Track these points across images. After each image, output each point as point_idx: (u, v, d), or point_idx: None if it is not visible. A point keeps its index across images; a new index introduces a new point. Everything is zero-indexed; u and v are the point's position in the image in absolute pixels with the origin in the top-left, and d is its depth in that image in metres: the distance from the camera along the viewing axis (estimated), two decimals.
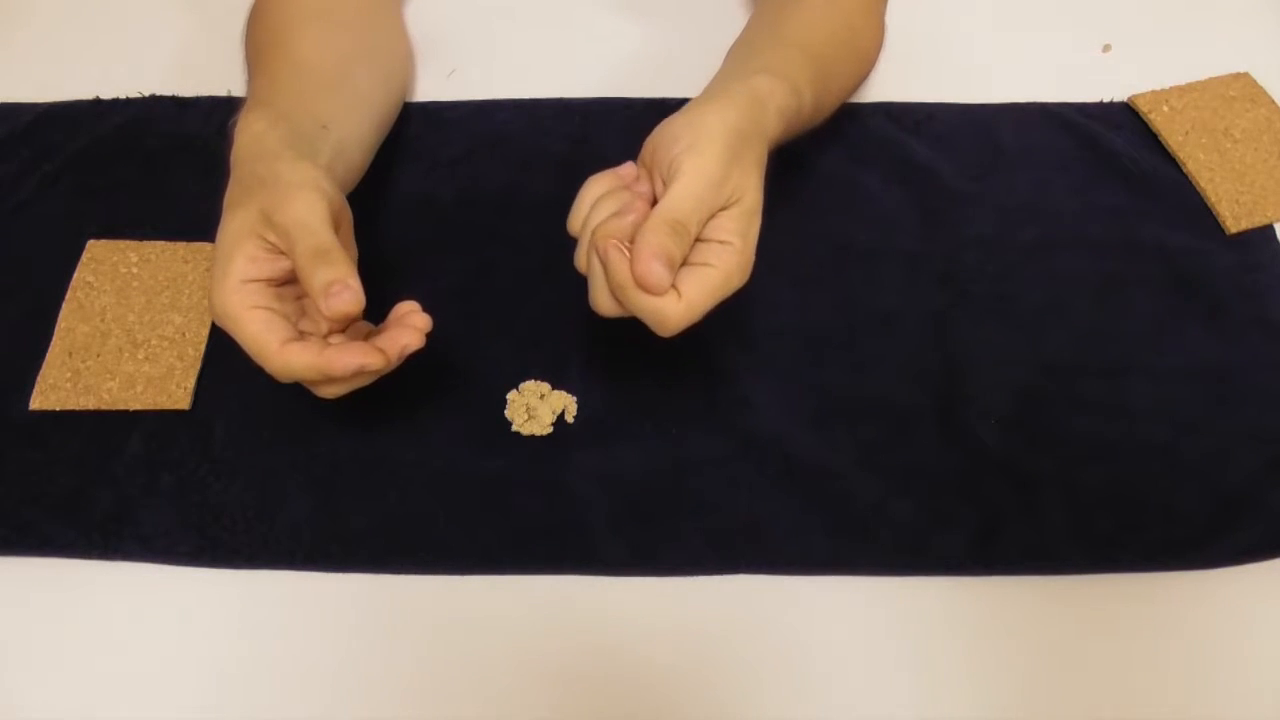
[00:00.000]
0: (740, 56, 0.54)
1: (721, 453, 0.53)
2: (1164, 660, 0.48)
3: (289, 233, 0.42)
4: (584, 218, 0.45)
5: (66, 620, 0.49)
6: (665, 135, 0.44)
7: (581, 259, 0.44)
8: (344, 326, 0.46)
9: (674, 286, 0.42)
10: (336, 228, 0.45)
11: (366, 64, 0.59)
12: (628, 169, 0.46)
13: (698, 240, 0.43)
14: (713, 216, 0.43)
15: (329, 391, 0.45)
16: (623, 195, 0.45)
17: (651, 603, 0.49)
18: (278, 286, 0.45)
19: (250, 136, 0.47)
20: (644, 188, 0.45)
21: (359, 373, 0.43)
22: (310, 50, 0.56)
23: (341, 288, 0.42)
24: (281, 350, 0.42)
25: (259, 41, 0.57)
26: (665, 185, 0.43)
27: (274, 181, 0.44)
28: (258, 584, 0.50)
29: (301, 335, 0.44)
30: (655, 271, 0.40)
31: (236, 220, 0.44)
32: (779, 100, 0.48)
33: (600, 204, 0.44)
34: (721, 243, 0.43)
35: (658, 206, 0.42)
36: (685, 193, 0.42)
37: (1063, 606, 0.49)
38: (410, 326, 0.45)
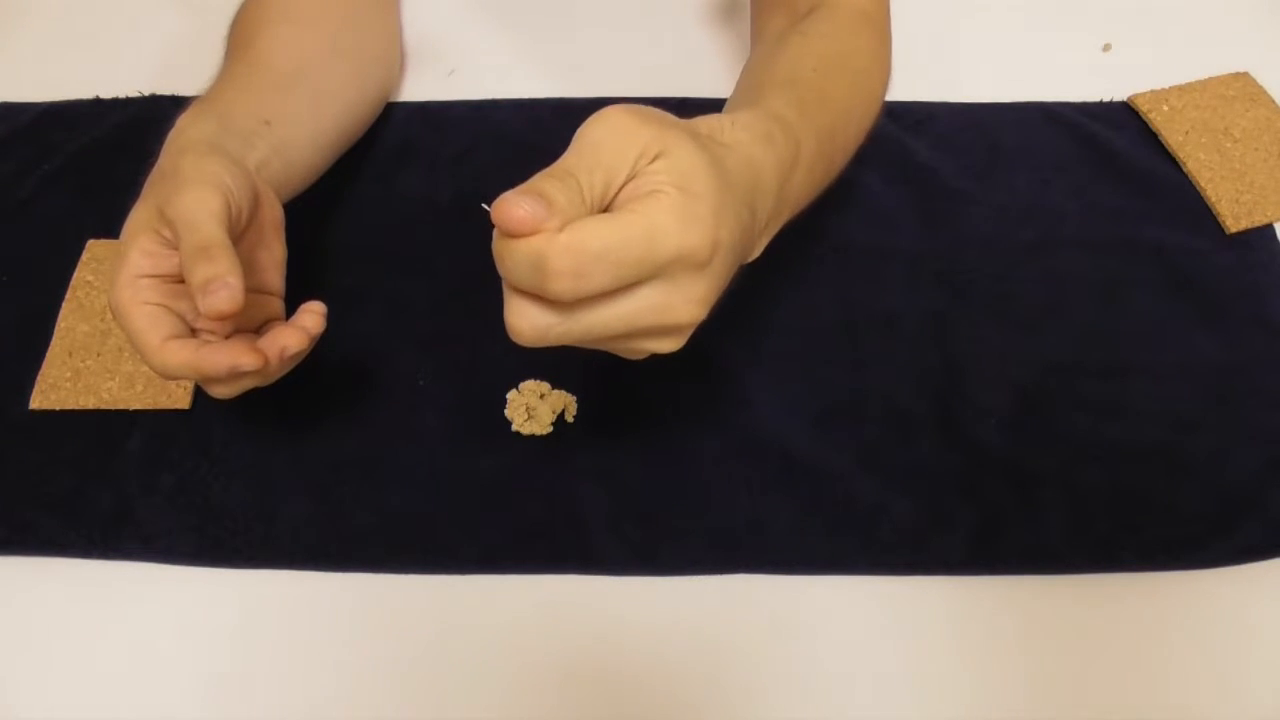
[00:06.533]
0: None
1: (721, 453, 0.53)
2: (1164, 660, 0.48)
3: (175, 227, 0.42)
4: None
5: (66, 620, 0.49)
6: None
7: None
8: (255, 326, 0.46)
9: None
10: (242, 224, 0.44)
11: (335, 63, 0.58)
12: None
13: (627, 207, 0.35)
14: (633, 177, 0.35)
15: (219, 391, 0.44)
16: None
17: (651, 603, 0.49)
18: (176, 283, 0.44)
19: (174, 132, 0.47)
20: None
21: (234, 373, 0.41)
22: (269, 49, 0.55)
23: (219, 285, 0.40)
24: (161, 347, 0.42)
25: (231, 44, 0.58)
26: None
27: (173, 176, 0.43)
28: (258, 584, 0.50)
29: (194, 333, 0.44)
30: (513, 200, 0.33)
31: (136, 214, 0.44)
32: (760, 127, 0.42)
33: None
34: (652, 193, 0.34)
35: None
36: (583, 145, 0.36)
37: (1063, 606, 0.49)
38: (296, 327, 0.43)
